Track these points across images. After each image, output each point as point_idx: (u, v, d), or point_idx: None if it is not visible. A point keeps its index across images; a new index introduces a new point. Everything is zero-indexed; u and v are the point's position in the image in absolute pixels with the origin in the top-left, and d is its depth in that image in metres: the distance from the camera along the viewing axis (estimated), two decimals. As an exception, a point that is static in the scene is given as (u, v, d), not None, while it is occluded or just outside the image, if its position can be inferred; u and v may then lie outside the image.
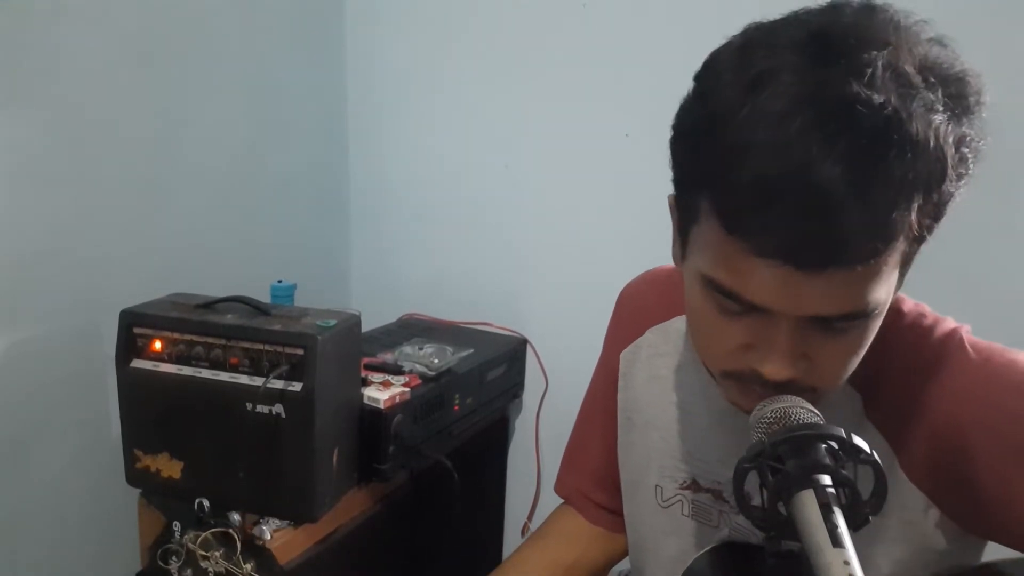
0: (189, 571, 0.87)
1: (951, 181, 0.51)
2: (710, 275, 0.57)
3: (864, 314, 0.54)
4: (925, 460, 0.65)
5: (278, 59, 1.47)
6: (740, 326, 0.57)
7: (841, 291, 0.52)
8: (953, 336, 0.65)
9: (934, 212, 0.52)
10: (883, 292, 0.54)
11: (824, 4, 0.55)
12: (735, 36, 0.57)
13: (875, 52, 0.49)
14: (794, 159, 0.48)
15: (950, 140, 0.50)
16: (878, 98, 0.48)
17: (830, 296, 0.52)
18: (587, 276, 1.48)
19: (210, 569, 0.83)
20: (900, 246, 0.52)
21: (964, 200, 0.54)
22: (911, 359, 0.65)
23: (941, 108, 0.50)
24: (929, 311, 0.68)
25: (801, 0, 0.57)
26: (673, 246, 0.66)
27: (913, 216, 0.50)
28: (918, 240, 0.54)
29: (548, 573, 0.88)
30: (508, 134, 1.52)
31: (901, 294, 0.69)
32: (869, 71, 0.49)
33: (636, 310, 0.87)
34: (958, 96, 0.51)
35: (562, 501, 0.97)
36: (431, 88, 1.59)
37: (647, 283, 0.88)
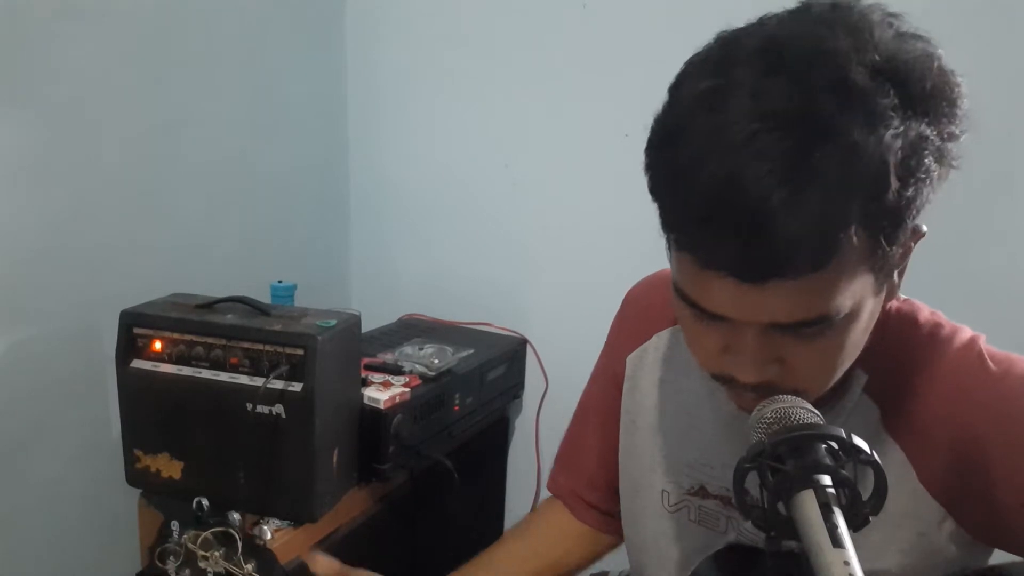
0: (187, 571, 0.86)
1: (900, 186, 0.50)
2: (677, 284, 0.59)
3: (825, 320, 0.54)
4: (943, 471, 0.65)
5: (278, 59, 1.47)
6: (713, 331, 0.58)
7: (793, 300, 0.52)
8: (972, 347, 0.65)
9: (889, 217, 0.51)
10: (846, 299, 0.53)
11: (793, 7, 0.55)
12: (706, 45, 0.58)
13: (822, 63, 0.50)
14: (726, 175, 0.49)
15: (897, 145, 0.49)
16: (816, 110, 0.48)
17: (782, 305, 0.52)
18: (587, 276, 1.48)
19: (209, 569, 0.83)
20: (850, 255, 0.51)
21: (937, 200, 0.54)
22: (930, 371, 0.65)
23: (892, 112, 0.49)
24: (946, 321, 0.68)
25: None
26: None
27: (853, 226, 0.50)
28: (877, 246, 0.52)
29: (532, 566, 0.89)
30: (508, 134, 1.52)
31: (918, 302, 0.69)
32: (810, 82, 0.49)
33: (643, 313, 0.86)
34: (921, 97, 0.51)
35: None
36: (431, 88, 1.59)
37: (654, 286, 0.87)
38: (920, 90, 0.51)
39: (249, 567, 0.83)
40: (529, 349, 1.55)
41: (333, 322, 0.95)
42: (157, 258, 1.24)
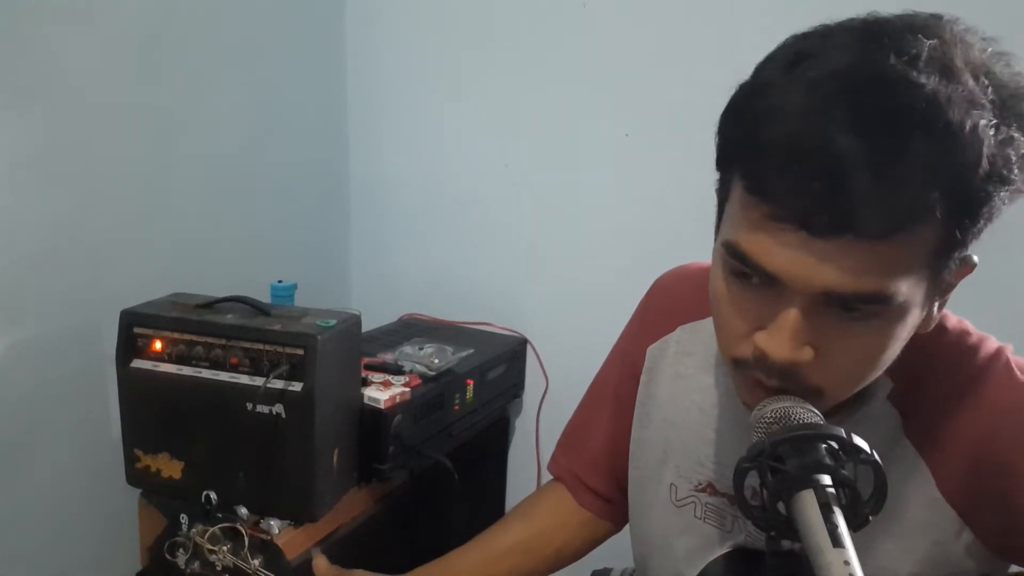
0: (196, 564, 0.87)
1: (986, 177, 0.49)
2: (731, 239, 0.56)
3: (880, 299, 0.52)
4: (963, 479, 0.64)
5: (278, 59, 1.47)
6: (753, 303, 0.56)
7: (854, 266, 0.51)
8: (999, 356, 0.65)
9: (967, 209, 0.51)
10: (902, 286, 0.52)
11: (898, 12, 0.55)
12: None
13: (925, 40, 0.50)
14: (818, 124, 0.48)
15: (990, 134, 0.49)
16: (916, 77, 0.48)
17: (842, 270, 0.51)
18: (587, 276, 1.48)
19: (218, 563, 0.83)
20: (924, 235, 0.50)
21: (1009, 211, 0.52)
22: (954, 377, 0.65)
23: (988, 106, 0.49)
24: (973, 329, 0.67)
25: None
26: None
27: (938, 200, 0.49)
28: (950, 240, 0.52)
29: (534, 556, 0.89)
30: (508, 134, 1.52)
31: (944, 310, 0.67)
32: (912, 51, 0.49)
33: (669, 305, 0.85)
34: (1014, 110, 0.51)
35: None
36: (431, 88, 1.59)
37: (682, 278, 0.86)
38: (1015, 106, 0.51)
39: (256, 562, 0.83)
40: (529, 349, 1.55)
41: (333, 322, 0.95)
42: (157, 258, 1.24)
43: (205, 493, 0.86)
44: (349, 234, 1.74)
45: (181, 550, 0.83)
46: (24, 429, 1.08)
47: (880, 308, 0.53)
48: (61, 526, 1.14)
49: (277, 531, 0.93)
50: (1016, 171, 0.51)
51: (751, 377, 0.59)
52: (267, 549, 0.88)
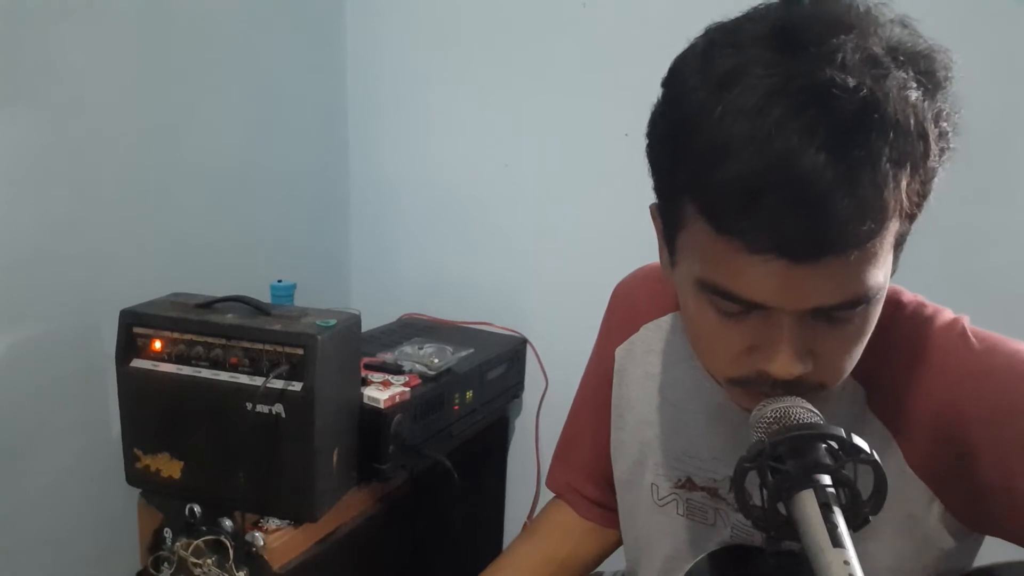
0: (180, 577, 0.86)
1: (935, 157, 0.51)
2: (705, 278, 0.56)
3: (865, 299, 0.53)
4: (928, 451, 0.64)
5: (278, 59, 1.47)
6: (742, 328, 0.56)
7: (840, 279, 0.51)
8: (955, 326, 0.65)
9: (921, 188, 0.53)
10: (880, 275, 0.53)
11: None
12: (697, 39, 0.57)
13: (842, 36, 0.50)
14: (776, 152, 0.48)
15: (929, 116, 0.50)
16: (852, 81, 0.48)
17: (829, 286, 0.52)
18: (587, 276, 1.48)
19: (202, 576, 0.83)
20: (893, 226, 0.52)
21: (948, 176, 0.54)
22: (914, 349, 0.65)
23: (915, 85, 0.50)
24: (928, 302, 0.68)
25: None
26: (660, 255, 0.66)
27: (903, 194, 0.51)
28: (910, 218, 0.54)
29: (542, 568, 0.89)
30: (508, 134, 1.52)
31: (899, 286, 0.68)
32: (839, 56, 0.49)
33: (631, 307, 0.86)
34: (928, 72, 0.51)
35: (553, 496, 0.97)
36: (431, 88, 1.59)
37: (641, 279, 0.88)
38: (927, 67, 0.52)
39: (241, 574, 0.83)
40: (529, 349, 1.55)
41: (333, 322, 0.95)
42: (157, 258, 1.24)
43: (189, 506, 0.86)
44: (349, 234, 1.74)
45: (165, 564, 0.83)
46: (24, 429, 1.08)
47: (865, 306, 0.54)
48: (61, 526, 1.14)
49: (262, 543, 0.93)
50: (951, 139, 0.53)
51: (753, 390, 0.58)
52: (253, 561, 0.87)
